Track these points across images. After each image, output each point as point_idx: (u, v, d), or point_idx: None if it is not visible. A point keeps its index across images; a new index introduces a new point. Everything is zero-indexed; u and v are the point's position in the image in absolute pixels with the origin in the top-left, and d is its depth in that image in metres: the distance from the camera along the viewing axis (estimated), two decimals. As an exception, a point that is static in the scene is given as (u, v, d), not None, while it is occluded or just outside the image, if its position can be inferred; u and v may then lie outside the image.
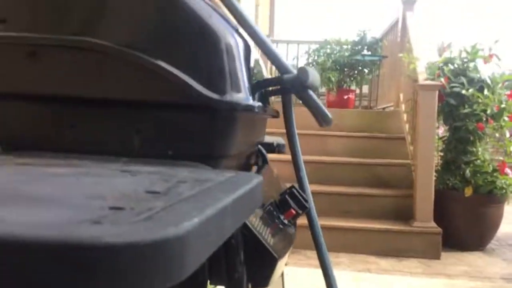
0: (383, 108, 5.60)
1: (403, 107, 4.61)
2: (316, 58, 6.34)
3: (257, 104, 0.67)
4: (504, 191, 3.59)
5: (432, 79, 3.79)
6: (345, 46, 6.34)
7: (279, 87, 0.93)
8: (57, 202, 0.32)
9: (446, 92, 3.74)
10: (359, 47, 6.27)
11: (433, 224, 3.59)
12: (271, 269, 0.65)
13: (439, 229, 3.54)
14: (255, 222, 0.70)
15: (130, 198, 0.35)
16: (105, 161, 0.59)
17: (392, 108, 5.15)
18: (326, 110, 0.90)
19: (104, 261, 0.25)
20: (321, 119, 0.90)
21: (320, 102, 0.88)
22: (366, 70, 6.36)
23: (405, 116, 4.49)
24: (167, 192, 0.38)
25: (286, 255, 0.87)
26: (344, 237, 3.59)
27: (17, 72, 0.65)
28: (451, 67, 3.88)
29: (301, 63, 6.78)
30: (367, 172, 4.11)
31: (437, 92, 3.62)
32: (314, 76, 0.84)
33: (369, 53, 6.15)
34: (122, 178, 0.44)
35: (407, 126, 4.37)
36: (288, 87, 0.86)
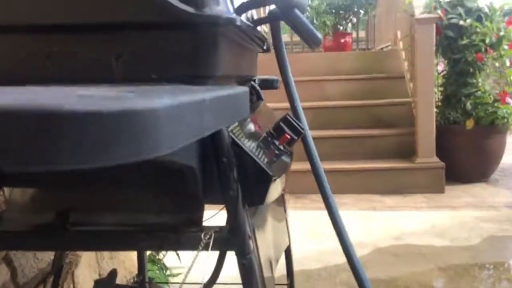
0: (381, 49, 5.51)
1: (400, 44, 4.53)
2: (310, 1, 6.18)
3: (239, 18, 0.65)
4: (505, 120, 3.57)
5: (429, 12, 3.70)
6: (338, -12, 6.17)
7: (265, 15, 0.89)
8: (29, 93, 0.31)
9: (443, 24, 3.66)
10: (353, -13, 6.10)
11: (436, 159, 3.60)
12: (265, 187, 0.64)
13: (442, 163, 3.55)
14: (249, 146, 0.68)
15: (103, 91, 0.33)
16: (85, 85, 0.57)
17: (390, 47, 5.07)
18: (315, 30, 0.86)
19: (66, 129, 0.24)
20: (310, 41, 0.87)
21: (308, 22, 0.85)
22: (361, 11, 6.21)
23: (403, 54, 4.42)
24: (143, 90, 0.37)
25: (283, 181, 0.86)
26: (348, 179, 3.61)
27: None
28: (448, -2, 3.78)
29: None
30: (368, 113, 4.09)
31: (434, 25, 3.54)
32: (299, -6, 0.81)
33: (364, -8, 5.99)
34: (102, 87, 0.42)
35: (405, 63, 4.30)
36: (273, 10, 0.83)
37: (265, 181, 0.64)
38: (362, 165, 3.65)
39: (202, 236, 0.62)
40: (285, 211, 1.25)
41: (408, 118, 3.94)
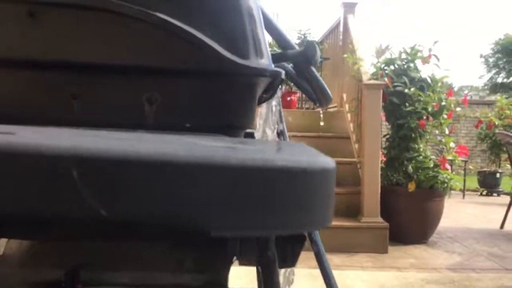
0: (326, 109, 5.71)
1: (346, 107, 4.72)
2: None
3: (283, 71, 0.63)
4: (445, 185, 3.76)
5: (376, 79, 3.91)
6: (286, 49, 6.41)
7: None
8: (175, 143, 0.27)
9: (389, 91, 3.87)
10: (300, 49, 6.36)
11: (380, 219, 3.69)
12: (300, 247, 0.61)
13: (386, 224, 3.64)
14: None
15: (224, 144, 0.29)
16: (126, 131, 0.52)
17: (335, 109, 5.26)
18: (327, 88, 0.87)
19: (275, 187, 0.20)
20: (322, 97, 0.87)
21: (321, 80, 0.86)
22: (307, 72, 6.46)
23: (349, 116, 4.60)
24: (248, 143, 0.33)
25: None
26: (296, 235, 3.60)
27: (13, 36, 0.56)
28: (392, 67, 4.03)
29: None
30: (314, 171, 4.15)
31: (381, 91, 3.73)
32: (319, 51, 0.81)
33: (310, 55, 6.25)
34: (176, 136, 0.38)
35: (351, 125, 4.47)
36: (290, 63, 0.83)
37: (300, 242, 0.61)
38: (310, 222, 3.66)
39: (235, 300, 0.56)
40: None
41: (353, 178, 4.04)
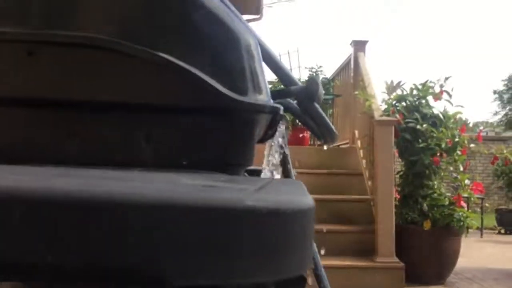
0: (338, 145, 5.68)
1: (359, 143, 4.69)
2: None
3: (281, 106, 0.62)
4: (461, 223, 3.66)
5: (387, 116, 3.89)
6: (298, 86, 6.45)
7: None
8: (155, 182, 0.25)
9: (401, 127, 3.85)
10: (312, 87, 6.39)
11: (396, 259, 3.59)
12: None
13: (402, 264, 3.54)
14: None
15: (210, 181, 0.28)
16: (122, 169, 0.51)
17: (348, 145, 5.24)
18: (333, 126, 0.85)
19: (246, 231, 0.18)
20: (327, 135, 0.86)
21: (326, 116, 0.84)
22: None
23: (361, 152, 4.56)
24: (237, 181, 0.31)
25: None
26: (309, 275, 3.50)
27: (12, 74, 0.56)
28: (404, 104, 4.01)
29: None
30: (326, 208, 4.09)
31: (393, 127, 3.71)
32: (321, 87, 0.80)
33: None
34: (173, 174, 0.36)
35: (364, 161, 4.43)
36: (293, 100, 0.82)
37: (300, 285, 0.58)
38: (323, 262, 3.58)
39: None
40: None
41: (367, 216, 3.97)
